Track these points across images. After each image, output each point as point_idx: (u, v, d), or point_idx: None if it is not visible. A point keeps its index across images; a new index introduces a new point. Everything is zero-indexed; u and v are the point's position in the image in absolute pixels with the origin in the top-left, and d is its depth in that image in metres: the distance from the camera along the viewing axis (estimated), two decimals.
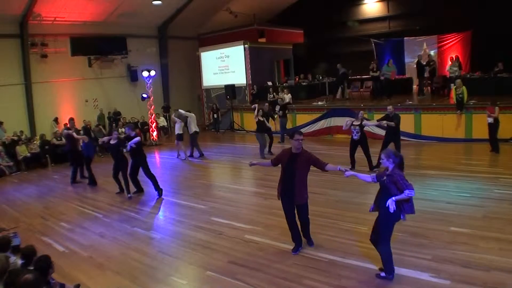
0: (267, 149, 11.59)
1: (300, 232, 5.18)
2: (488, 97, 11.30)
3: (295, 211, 5.05)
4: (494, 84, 12.51)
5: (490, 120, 9.92)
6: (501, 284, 4.00)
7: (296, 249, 5.15)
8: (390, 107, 9.16)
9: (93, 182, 9.82)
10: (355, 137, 9.00)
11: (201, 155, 12.23)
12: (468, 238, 5.10)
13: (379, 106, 13.27)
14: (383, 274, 4.36)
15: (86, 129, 12.16)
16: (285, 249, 5.26)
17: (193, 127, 12.01)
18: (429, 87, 14.68)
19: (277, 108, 14.31)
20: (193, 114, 12.37)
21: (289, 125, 15.10)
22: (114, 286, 4.66)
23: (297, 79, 18.32)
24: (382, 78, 14.25)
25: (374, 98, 14.62)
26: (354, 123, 8.95)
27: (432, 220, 5.79)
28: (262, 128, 11.49)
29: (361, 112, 9.25)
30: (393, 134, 9.06)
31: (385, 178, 4.20)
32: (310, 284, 4.32)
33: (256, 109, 12.03)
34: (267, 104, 13.16)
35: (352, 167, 8.73)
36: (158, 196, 8.14)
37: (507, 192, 6.81)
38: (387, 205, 4.08)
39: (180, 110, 12.23)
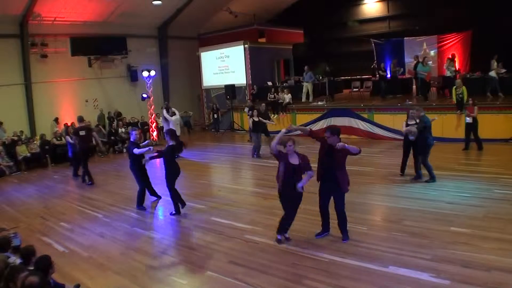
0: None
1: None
2: (487, 97, 11.33)
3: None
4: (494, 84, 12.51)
5: (469, 119, 10.11)
6: (501, 284, 4.00)
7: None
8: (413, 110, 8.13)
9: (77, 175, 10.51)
10: (411, 138, 7.90)
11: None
12: (468, 238, 5.10)
13: (379, 106, 13.30)
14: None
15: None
16: (285, 249, 5.26)
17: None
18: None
19: (246, 109, 14.69)
20: (175, 118, 12.22)
21: (288, 125, 15.10)
22: (114, 286, 4.67)
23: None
24: (414, 77, 14.05)
25: (381, 98, 14.56)
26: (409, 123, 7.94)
27: (432, 220, 5.79)
28: (257, 128, 11.52)
29: (412, 111, 8.05)
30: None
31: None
32: (310, 284, 4.32)
33: (250, 109, 12.09)
34: (263, 104, 13.13)
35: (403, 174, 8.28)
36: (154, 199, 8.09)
37: (507, 192, 6.80)
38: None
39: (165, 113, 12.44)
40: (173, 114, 12.41)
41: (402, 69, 15.87)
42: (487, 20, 14.96)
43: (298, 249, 5.22)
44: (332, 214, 5.46)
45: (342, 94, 17.98)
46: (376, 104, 13.63)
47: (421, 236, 5.27)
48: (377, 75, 15.35)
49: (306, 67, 15.71)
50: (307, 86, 15.57)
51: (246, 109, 14.70)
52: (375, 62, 17.60)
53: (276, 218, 6.33)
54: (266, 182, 8.64)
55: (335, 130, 5.19)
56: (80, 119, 10.50)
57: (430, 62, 14.88)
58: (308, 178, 5.11)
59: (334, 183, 5.17)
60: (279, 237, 5.46)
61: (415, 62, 14.34)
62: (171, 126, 12.24)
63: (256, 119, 11.49)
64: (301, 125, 14.58)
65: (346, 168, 5.28)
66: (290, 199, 5.20)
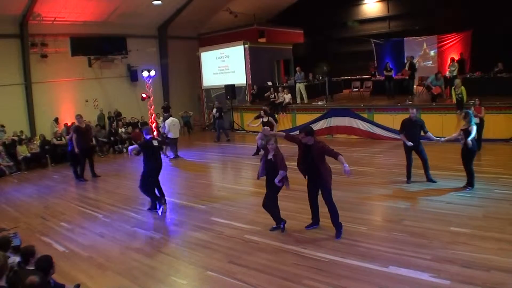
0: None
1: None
2: (488, 97, 11.32)
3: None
4: (494, 84, 12.52)
5: (476, 120, 10.02)
6: (501, 284, 4.00)
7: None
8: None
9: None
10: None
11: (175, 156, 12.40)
12: (468, 238, 5.10)
13: (379, 106, 13.30)
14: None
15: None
16: (285, 249, 5.26)
17: (170, 134, 12.05)
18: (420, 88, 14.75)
19: (214, 110, 15.18)
20: (172, 119, 12.33)
21: (288, 125, 15.16)
22: (114, 286, 4.67)
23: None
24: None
25: (387, 98, 14.51)
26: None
27: (432, 220, 5.79)
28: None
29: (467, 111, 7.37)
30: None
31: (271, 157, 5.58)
32: (310, 284, 4.32)
33: (218, 110, 13.71)
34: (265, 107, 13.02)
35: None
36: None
37: (507, 192, 6.81)
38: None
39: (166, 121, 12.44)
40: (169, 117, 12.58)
41: (416, 70, 15.49)
42: (487, 20, 14.97)
43: (298, 249, 5.22)
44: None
45: (342, 94, 17.98)
46: (376, 104, 13.63)
47: (421, 236, 5.27)
48: (378, 75, 15.29)
49: (298, 68, 15.76)
50: (299, 87, 15.60)
51: (214, 110, 15.18)
52: (374, 64, 17.51)
53: None
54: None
55: (308, 132, 5.41)
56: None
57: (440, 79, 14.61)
58: (279, 176, 5.51)
59: (319, 178, 5.46)
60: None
61: (407, 62, 14.29)
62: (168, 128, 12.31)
63: (265, 119, 11.34)
64: (301, 125, 14.70)
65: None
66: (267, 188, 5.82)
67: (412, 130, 7.64)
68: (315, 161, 5.40)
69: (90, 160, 10.65)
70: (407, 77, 14.30)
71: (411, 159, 7.80)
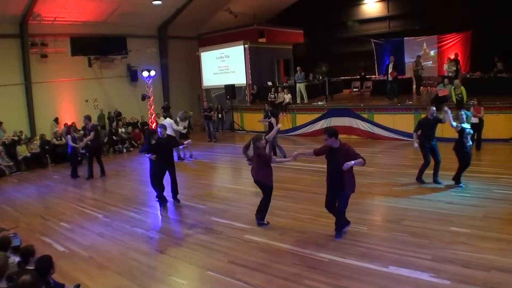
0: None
1: None
2: (488, 97, 11.33)
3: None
4: (494, 84, 12.52)
5: (475, 120, 10.05)
6: (501, 284, 4.00)
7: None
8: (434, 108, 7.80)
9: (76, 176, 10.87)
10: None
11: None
12: (468, 238, 5.10)
13: (379, 106, 13.29)
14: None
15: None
16: (285, 249, 5.26)
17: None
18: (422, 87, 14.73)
19: (203, 111, 15.61)
20: (167, 120, 12.04)
21: (288, 125, 15.15)
22: (114, 286, 4.67)
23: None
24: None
25: (389, 98, 14.45)
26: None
27: (432, 220, 5.79)
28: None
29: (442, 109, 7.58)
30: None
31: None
32: (310, 284, 4.32)
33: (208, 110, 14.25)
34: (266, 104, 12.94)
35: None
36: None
37: (507, 192, 6.81)
38: None
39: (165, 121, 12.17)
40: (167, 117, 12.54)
41: (423, 69, 15.15)
42: (487, 20, 14.98)
43: (298, 249, 5.22)
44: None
45: (342, 94, 17.99)
46: (376, 104, 13.63)
47: (421, 236, 5.28)
48: (377, 75, 15.29)
49: (298, 68, 15.78)
50: (299, 87, 15.60)
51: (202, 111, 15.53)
52: (363, 65, 17.41)
53: (276, 218, 6.37)
54: None
55: (331, 133, 5.23)
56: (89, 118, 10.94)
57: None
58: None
59: (340, 184, 5.22)
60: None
61: (391, 62, 14.20)
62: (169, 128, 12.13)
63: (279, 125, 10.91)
64: (301, 125, 14.73)
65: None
66: None
67: (431, 130, 7.60)
68: (340, 166, 5.07)
69: (89, 160, 10.68)
70: (392, 79, 14.12)
71: (429, 160, 7.62)
